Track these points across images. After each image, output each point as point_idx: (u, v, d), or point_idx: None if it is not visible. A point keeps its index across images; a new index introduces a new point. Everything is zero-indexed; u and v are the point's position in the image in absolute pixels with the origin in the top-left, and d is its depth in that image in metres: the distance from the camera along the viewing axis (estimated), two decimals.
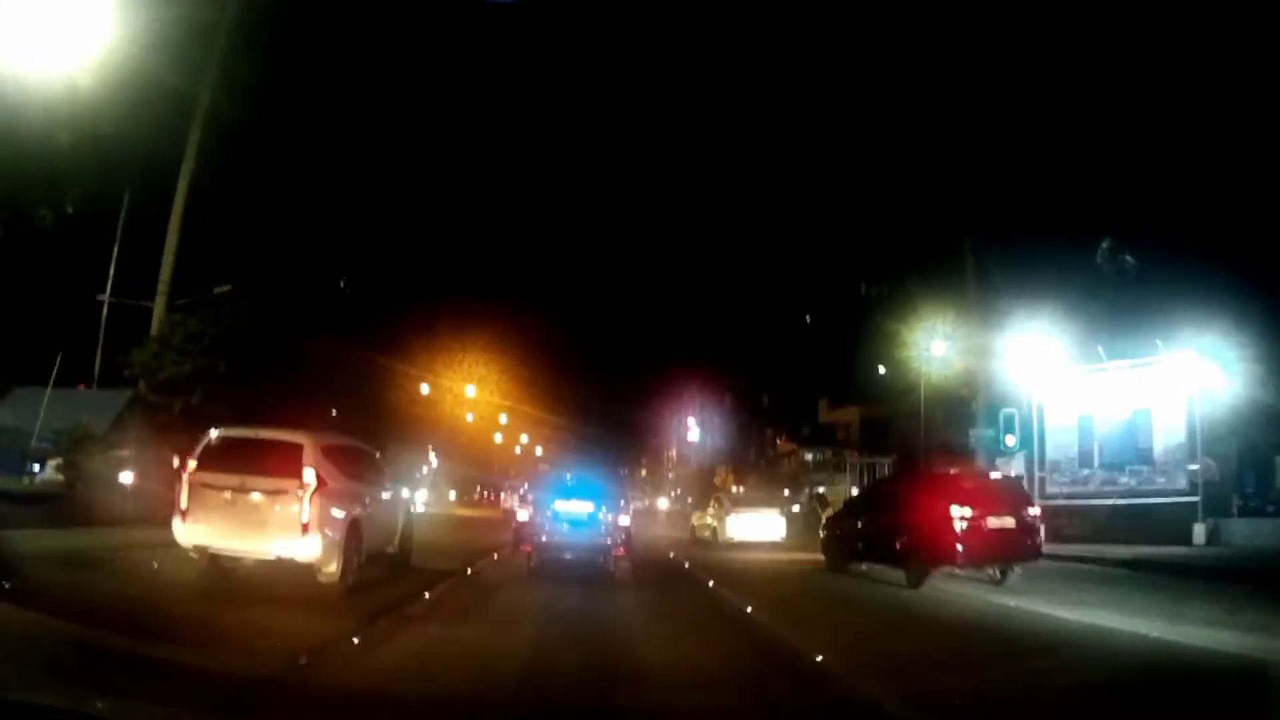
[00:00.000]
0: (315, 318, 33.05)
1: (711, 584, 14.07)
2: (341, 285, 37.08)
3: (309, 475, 10.08)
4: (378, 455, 13.54)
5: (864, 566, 16.02)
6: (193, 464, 10.35)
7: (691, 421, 62.77)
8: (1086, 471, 24.21)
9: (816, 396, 65.34)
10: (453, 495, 64.91)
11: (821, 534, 19.13)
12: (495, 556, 17.27)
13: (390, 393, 45.11)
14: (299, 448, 10.33)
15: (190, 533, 10.17)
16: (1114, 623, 9.56)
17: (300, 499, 9.96)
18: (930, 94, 28.26)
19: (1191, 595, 12.10)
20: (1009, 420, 25.59)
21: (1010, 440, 25.36)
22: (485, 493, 73.81)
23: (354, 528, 10.69)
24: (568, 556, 15.09)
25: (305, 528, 9.89)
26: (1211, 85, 22.52)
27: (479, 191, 77.76)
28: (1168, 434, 22.39)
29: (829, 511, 24.85)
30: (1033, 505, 15.83)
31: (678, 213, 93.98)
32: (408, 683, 6.08)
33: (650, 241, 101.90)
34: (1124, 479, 23.39)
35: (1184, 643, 8.38)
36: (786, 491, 42.54)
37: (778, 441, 60.97)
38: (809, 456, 58.29)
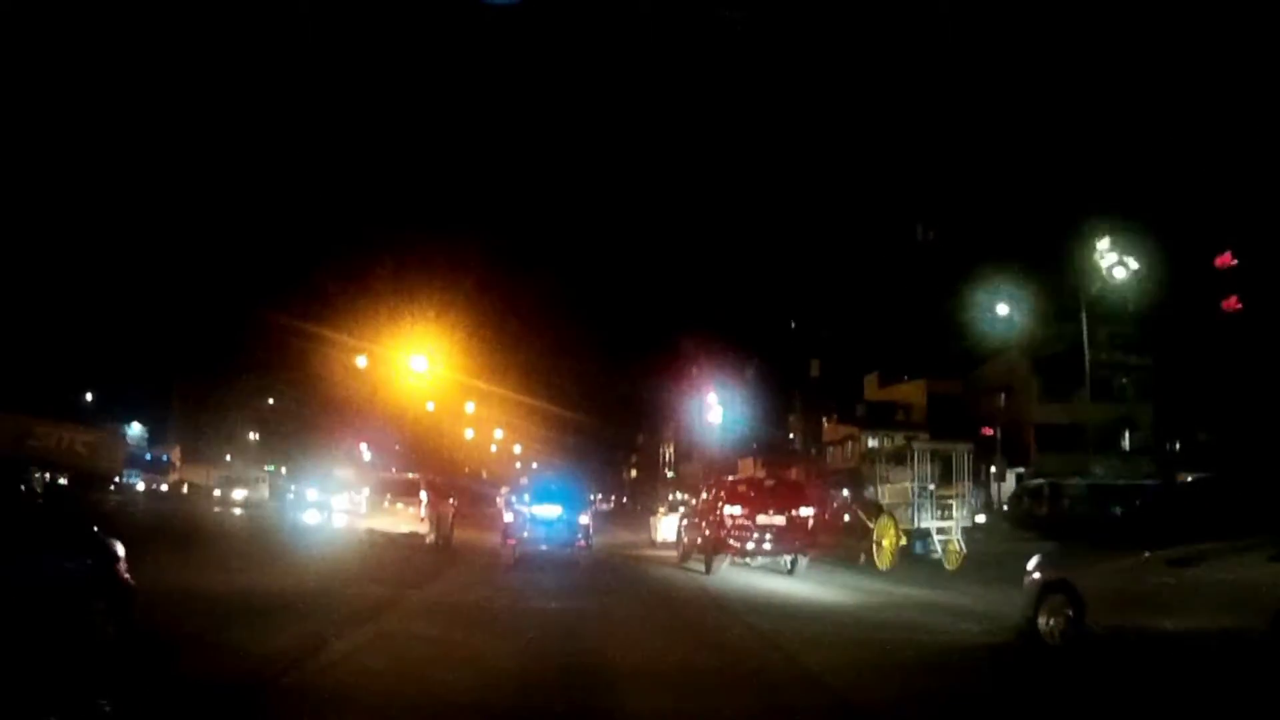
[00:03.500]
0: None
1: (618, 565, 20.73)
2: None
3: (423, 495, 21.69)
4: (437, 481, 25.57)
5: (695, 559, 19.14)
6: (367, 492, 23.20)
7: (712, 398, 46.67)
8: None
9: (861, 371, 53.66)
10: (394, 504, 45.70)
11: (677, 531, 22.00)
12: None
13: (294, 357, 35.09)
14: (419, 481, 22.82)
15: (368, 522, 21.84)
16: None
17: (420, 505, 21.44)
18: None
19: None
20: None
21: None
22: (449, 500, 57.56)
23: (439, 519, 22.23)
24: (543, 548, 19.65)
25: (423, 520, 21.30)
26: None
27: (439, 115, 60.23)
28: None
29: (883, 522, 19.99)
30: (807, 506, 17.99)
31: (681, 145, 73.72)
32: (489, 581, 15.55)
33: (651, 183, 78.17)
34: None
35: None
36: (846, 492, 33.03)
37: (825, 425, 49.27)
38: (873, 442, 47.13)
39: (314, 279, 35.11)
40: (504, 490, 49.34)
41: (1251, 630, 6.90)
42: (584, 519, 20.33)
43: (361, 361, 38.54)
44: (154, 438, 45.02)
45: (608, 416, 66.12)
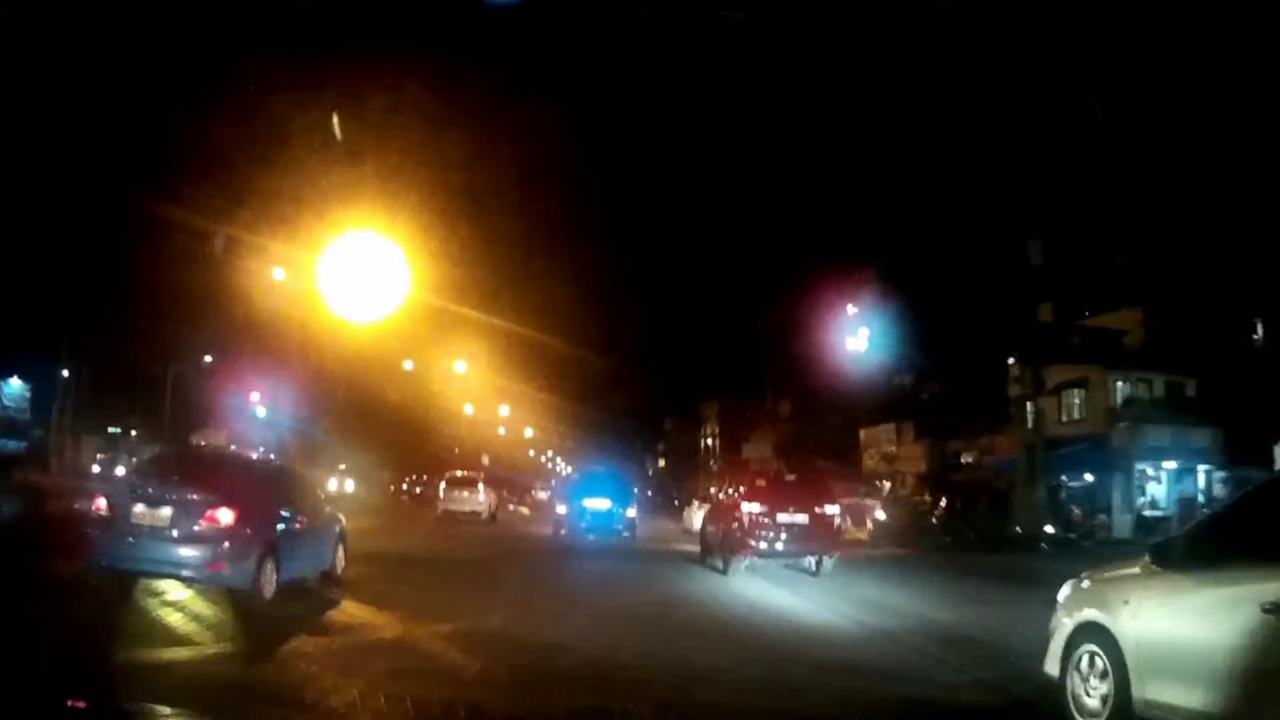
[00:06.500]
0: None
1: (623, 552, 21.00)
2: None
3: (481, 485, 32.33)
4: (490, 476, 38.04)
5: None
6: (444, 484, 32.01)
7: (851, 312, 29.47)
8: None
9: (1035, 300, 40.23)
10: (461, 493, 32.83)
11: (701, 526, 20.40)
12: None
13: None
14: (479, 477, 33.66)
15: (444, 505, 30.54)
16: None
17: (480, 492, 31.63)
18: None
19: None
20: None
21: None
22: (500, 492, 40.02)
23: (495, 501, 33.90)
24: (591, 537, 21.69)
25: (484, 502, 31.43)
26: None
27: None
28: None
29: None
30: (831, 503, 17.16)
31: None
32: (534, 547, 21.60)
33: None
34: None
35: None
36: (1088, 476, 27.26)
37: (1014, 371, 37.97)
38: (1123, 386, 34.20)
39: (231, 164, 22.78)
40: (538, 483, 57.44)
41: None
42: (630, 513, 23.24)
43: (279, 274, 26.44)
44: (38, 397, 34.01)
45: (646, 373, 57.20)
